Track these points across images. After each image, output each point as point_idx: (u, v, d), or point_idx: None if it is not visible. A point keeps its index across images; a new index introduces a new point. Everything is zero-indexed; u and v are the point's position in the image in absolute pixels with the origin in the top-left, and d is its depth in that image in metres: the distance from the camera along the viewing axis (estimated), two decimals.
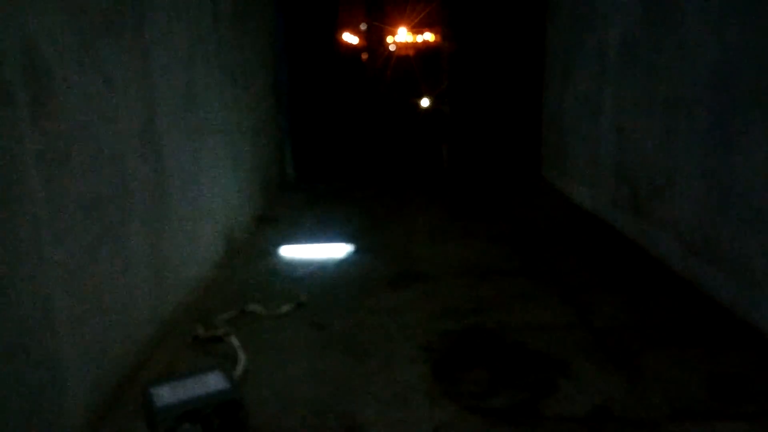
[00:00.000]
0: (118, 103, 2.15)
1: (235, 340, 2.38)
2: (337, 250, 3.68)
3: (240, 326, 2.60)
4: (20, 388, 1.53)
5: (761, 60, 2.52)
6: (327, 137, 6.43)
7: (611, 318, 2.73)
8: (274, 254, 3.66)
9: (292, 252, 3.68)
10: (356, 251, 3.69)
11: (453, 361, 2.36)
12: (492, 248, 3.78)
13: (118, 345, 2.09)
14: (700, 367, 2.27)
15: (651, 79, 3.56)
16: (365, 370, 2.28)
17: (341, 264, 3.49)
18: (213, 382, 1.91)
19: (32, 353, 1.59)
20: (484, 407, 2.03)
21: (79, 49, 1.88)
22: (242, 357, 2.26)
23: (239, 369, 2.20)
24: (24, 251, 1.57)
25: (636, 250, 3.66)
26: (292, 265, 3.45)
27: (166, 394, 1.83)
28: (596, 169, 4.49)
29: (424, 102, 7.06)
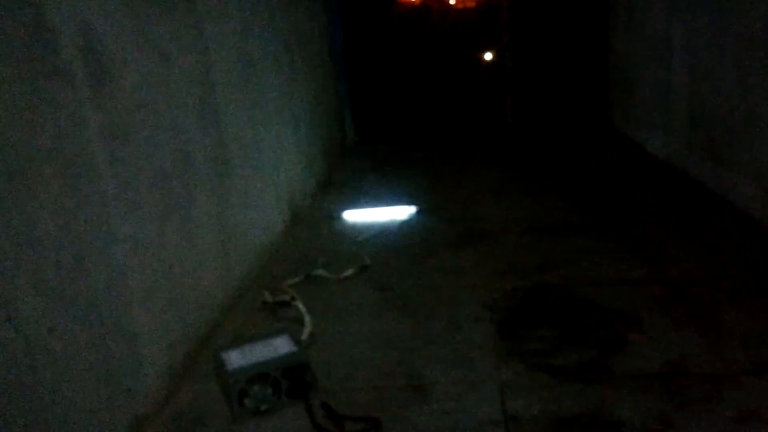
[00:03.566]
0: (176, 77, 2.19)
1: (301, 305, 2.42)
2: (400, 212, 3.67)
3: (306, 290, 2.65)
4: (98, 356, 1.61)
5: None
6: (387, 98, 6.36)
7: (687, 270, 2.62)
8: (337, 218, 3.69)
9: (354, 216, 3.70)
10: (419, 212, 3.67)
11: (518, 319, 2.33)
12: (558, 203, 3.69)
13: (190, 312, 2.17)
14: None
15: (723, 12, 3.31)
16: (430, 330, 2.28)
17: (403, 226, 3.49)
18: (281, 345, 1.96)
19: (107, 323, 1.67)
20: (552, 365, 2.00)
21: (134, 27, 1.91)
22: (308, 320, 2.31)
23: (306, 332, 2.25)
24: (94, 227, 1.64)
25: (713, 198, 3.48)
26: (355, 229, 3.47)
27: (236, 358, 1.89)
28: (668, 114, 4.26)
29: (487, 56, 6.87)
